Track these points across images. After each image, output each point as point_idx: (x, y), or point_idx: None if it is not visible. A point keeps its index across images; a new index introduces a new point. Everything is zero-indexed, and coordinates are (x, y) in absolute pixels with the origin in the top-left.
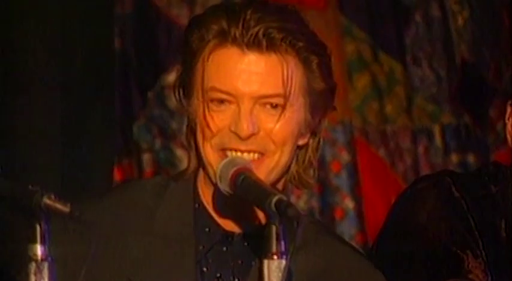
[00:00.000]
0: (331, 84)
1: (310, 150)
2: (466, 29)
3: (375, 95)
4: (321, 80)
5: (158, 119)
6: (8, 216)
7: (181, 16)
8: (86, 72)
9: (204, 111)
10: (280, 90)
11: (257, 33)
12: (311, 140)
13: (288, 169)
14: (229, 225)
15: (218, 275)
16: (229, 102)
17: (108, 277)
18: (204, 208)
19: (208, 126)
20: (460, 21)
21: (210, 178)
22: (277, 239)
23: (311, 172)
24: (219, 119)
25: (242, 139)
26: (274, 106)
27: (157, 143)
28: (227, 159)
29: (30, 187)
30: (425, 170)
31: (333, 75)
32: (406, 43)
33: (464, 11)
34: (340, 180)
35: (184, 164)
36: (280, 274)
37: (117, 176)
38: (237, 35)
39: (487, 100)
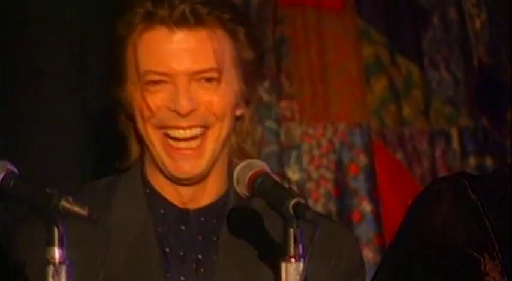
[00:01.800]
0: (260, 53)
1: (247, 120)
2: (483, 32)
3: (393, 98)
4: (250, 50)
5: None
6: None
7: None
8: (104, 76)
9: (141, 93)
10: (213, 64)
11: (183, 10)
12: (247, 111)
13: (228, 140)
14: (183, 203)
15: (182, 253)
16: (165, 82)
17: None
18: (155, 191)
19: (148, 107)
20: (478, 23)
21: (155, 160)
22: (295, 242)
23: (249, 141)
24: (157, 99)
25: (182, 116)
26: (209, 80)
27: None
28: (244, 162)
29: (47, 189)
30: (442, 173)
31: (262, 44)
32: (424, 46)
33: (481, 13)
34: (358, 183)
35: None
36: (298, 277)
37: None
38: (164, 15)
39: (504, 103)
